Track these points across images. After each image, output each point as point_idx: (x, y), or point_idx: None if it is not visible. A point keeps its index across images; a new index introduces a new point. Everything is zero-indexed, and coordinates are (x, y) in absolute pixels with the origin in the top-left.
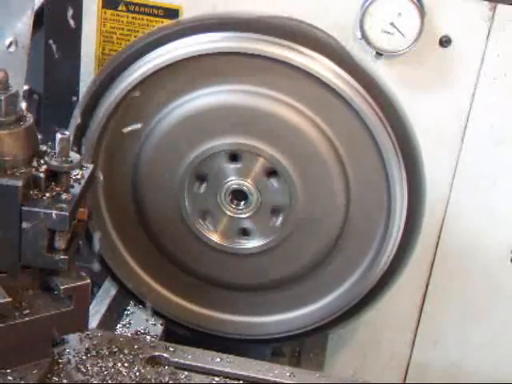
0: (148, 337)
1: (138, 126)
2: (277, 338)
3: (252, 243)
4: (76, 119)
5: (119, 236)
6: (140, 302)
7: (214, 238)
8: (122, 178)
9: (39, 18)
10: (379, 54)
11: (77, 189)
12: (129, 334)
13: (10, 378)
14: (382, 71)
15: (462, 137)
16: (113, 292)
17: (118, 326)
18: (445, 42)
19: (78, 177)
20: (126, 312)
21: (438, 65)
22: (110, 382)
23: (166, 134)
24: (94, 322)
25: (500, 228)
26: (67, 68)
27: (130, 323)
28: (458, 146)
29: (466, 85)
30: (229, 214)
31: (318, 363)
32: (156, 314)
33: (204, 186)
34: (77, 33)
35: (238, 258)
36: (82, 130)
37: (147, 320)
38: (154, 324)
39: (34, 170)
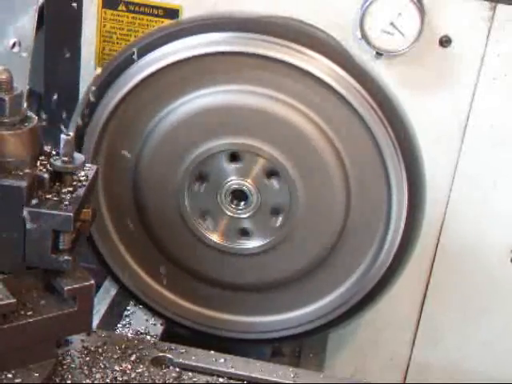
0: (148, 337)
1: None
2: (277, 338)
3: (252, 243)
4: (76, 119)
5: (119, 236)
6: (140, 302)
7: (214, 238)
8: (122, 178)
9: (40, 18)
10: (379, 54)
11: (81, 189)
12: (129, 334)
13: (13, 378)
14: (382, 71)
15: (461, 137)
16: (113, 292)
17: (118, 325)
18: (445, 41)
19: (82, 177)
20: (125, 312)
21: (438, 65)
22: (114, 382)
23: (167, 134)
24: (94, 322)
25: (500, 228)
26: (67, 68)
27: (130, 323)
28: (458, 145)
29: (466, 85)
30: (229, 214)
31: (317, 363)
32: (156, 314)
33: (204, 186)
34: (77, 33)
35: (238, 258)
36: (82, 130)
37: (147, 320)
38: (154, 324)
39: (38, 170)
